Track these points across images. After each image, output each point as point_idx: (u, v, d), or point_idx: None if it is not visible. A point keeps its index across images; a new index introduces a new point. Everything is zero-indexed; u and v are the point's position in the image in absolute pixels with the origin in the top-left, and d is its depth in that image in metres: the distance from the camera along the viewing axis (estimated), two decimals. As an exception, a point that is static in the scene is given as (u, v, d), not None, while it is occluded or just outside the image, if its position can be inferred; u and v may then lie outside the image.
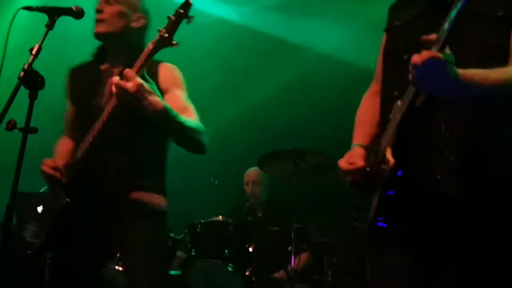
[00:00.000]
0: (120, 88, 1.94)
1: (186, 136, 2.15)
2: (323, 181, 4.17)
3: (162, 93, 2.18)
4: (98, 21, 2.26)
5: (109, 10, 2.26)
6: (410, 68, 1.36)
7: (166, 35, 1.94)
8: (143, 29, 2.35)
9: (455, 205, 1.49)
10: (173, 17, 1.95)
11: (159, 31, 1.97)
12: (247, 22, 5.86)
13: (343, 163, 1.73)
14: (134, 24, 2.31)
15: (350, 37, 5.29)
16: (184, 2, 1.94)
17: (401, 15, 1.78)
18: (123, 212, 2.18)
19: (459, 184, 1.48)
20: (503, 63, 1.47)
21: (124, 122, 2.11)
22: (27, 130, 1.90)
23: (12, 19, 1.97)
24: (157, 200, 2.25)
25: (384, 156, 1.52)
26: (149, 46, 1.99)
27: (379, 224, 1.58)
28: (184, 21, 1.94)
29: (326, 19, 5.40)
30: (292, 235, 3.67)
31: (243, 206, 4.29)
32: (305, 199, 3.93)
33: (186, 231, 3.73)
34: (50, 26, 2.02)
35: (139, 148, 2.24)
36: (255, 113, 5.56)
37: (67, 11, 2.07)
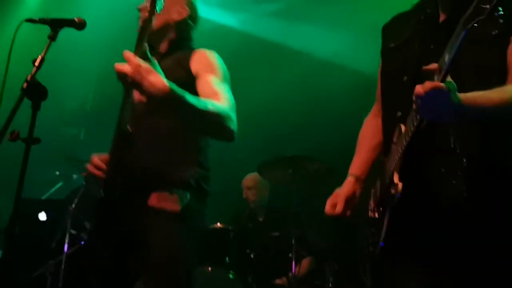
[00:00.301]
0: (118, 71, 1.74)
1: (204, 120, 1.90)
2: (323, 187, 4.18)
3: (194, 78, 2.11)
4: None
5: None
6: (414, 98, 1.37)
7: (148, 6, 1.90)
8: (187, 22, 2.34)
9: (467, 223, 1.49)
10: None
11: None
12: (246, 28, 5.90)
13: (327, 205, 1.81)
14: (175, 16, 2.31)
15: (349, 42, 5.32)
16: None
17: (395, 35, 1.80)
18: (144, 210, 2.06)
19: (472, 200, 1.48)
20: (501, 81, 1.49)
21: (149, 112, 2.02)
22: (30, 140, 1.92)
23: (16, 32, 1.99)
24: (175, 198, 2.07)
25: (392, 181, 1.54)
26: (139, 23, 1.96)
27: (388, 244, 1.59)
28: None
29: (325, 25, 5.43)
30: (293, 241, 3.68)
31: (243, 212, 4.31)
32: (305, 205, 3.95)
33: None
34: (53, 37, 2.03)
35: (167, 138, 2.12)
36: (254, 119, 5.57)
37: (70, 23, 2.09)
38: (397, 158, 1.54)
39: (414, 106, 1.40)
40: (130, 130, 1.99)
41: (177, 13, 2.33)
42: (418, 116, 1.43)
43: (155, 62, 1.80)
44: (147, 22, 1.90)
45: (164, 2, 2.00)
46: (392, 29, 1.85)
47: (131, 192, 2.05)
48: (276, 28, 5.76)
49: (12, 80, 1.99)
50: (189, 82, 2.10)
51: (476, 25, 1.27)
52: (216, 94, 2.02)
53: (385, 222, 1.58)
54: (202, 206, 2.19)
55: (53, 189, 4.65)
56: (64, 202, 4.04)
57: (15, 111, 1.89)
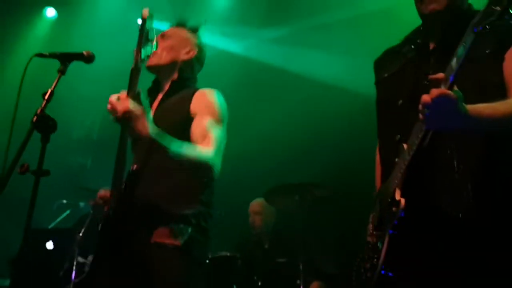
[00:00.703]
0: (111, 109, 1.96)
1: (185, 164, 2.09)
2: (330, 212, 4.17)
3: (192, 119, 2.21)
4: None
5: (162, 44, 2.34)
6: (420, 107, 1.39)
7: (135, 54, 2.00)
8: (195, 62, 2.46)
9: (474, 238, 1.49)
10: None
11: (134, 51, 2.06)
12: (249, 54, 5.98)
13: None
14: (183, 56, 2.40)
15: (351, 66, 5.37)
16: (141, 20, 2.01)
17: (388, 67, 1.88)
18: (146, 245, 2.10)
19: (478, 214, 1.49)
20: (501, 96, 1.52)
21: (152, 148, 2.10)
22: (40, 173, 1.94)
23: (26, 66, 2.03)
24: (176, 233, 2.11)
25: (393, 198, 1.54)
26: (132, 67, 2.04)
27: (387, 273, 1.57)
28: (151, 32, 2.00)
29: (326, 50, 5.50)
30: (301, 266, 3.66)
31: (249, 239, 4.29)
32: (312, 230, 3.93)
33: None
34: (62, 71, 2.08)
35: (169, 175, 2.17)
36: (260, 145, 5.60)
37: (79, 56, 2.13)
38: (399, 175, 1.55)
39: (420, 116, 1.41)
40: (134, 166, 2.10)
41: (186, 53, 2.42)
42: (423, 128, 1.44)
43: (147, 104, 1.98)
44: (136, 67, 1.98)
45: (156, 47, 2.10)
46: (384, 62, 1.94)
47: (133, 226, 2.09)
48: (278, 54, 5.84)
49: (19, 112, 2.03)
50: (187, 123, 2.21)
51: (487, 27, 1.30)
52: (204, 137, 2.14)
53: (385, 245, 1.56)
54: (204, 239, 2.21)
55: (60, 218, 4.66)
56: (71, 231, 4.05)
57: (25, 145, 1.92)
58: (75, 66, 2.15)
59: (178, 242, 2.10)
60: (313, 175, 4.33)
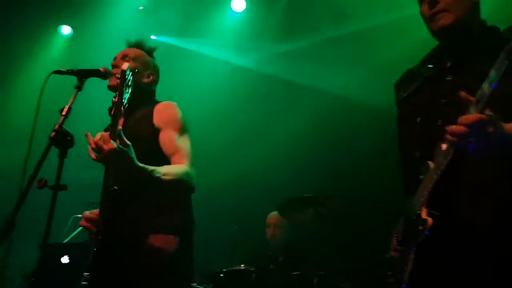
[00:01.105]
0: (96, 149, 2.00)
1: (170, 187, 2.21)
2: (344, 225, 4.15)
3: (157, 130, 2.34)
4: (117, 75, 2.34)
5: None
6: (450, 136, 1.38)
7: (116, 99, 2.04)
8: (153, 83, 2.60)
9: (496, 256, 1.48)
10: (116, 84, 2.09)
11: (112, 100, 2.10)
12: (262, 68, 6.02)
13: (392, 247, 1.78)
14: (145, 80, 2.54)
15: (362, 78, 5.38)
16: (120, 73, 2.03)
17: (406, 87, 1.91)
18: (134, 260, 2.21)
19: (500, 233, 1.48)
20: None
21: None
22: (57, 187, 1.97)
23: (44, 83, 2.07)
24: (167, 245, 2.24)
25: (419, 216, 1.54)
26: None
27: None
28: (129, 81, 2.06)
29: (337, 63, 5.52)
30: (315, 281, 3.63)
31: (263, 253, 4.27)
32: (325, 244, 3.91)
33: (208, 280, 3.71)
34: (79, 87, 2.12)
35: (152, 191, 2.27)
36: (273, 158, 5.60)
37: (95, 73, 2.18)
38: (425, 193, 1.55)
39: (452, 140, 1.39)
40: (116, 187, 2.16)
41: (146, 77, 2.56)
42: (451, 151, 1.45)
43: (128, 143, 2.03)
44: (117, 112, 2.01)
45: (129, 91, 2.14)
46: (403, 83, 1.97)
47: (120, 244, 2.22)
48: (289, 67, 5.87)
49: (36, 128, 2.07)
50: (153, 135, 2.36)
51: None
52: (176, 151, 2.30)
53: (410, 261, 1.56)
54: (190, 249, 2.34)
55: (75, 232, 4.69)
56: (85, 245, 4.07)
57: (43, 160, 1.95)
58: (90, 82, 2.19)
59: (165, 255, 2.21)
60: (327, 187, 4.31)
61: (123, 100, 2.01)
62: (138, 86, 2.43)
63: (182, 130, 2.39)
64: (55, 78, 2.15)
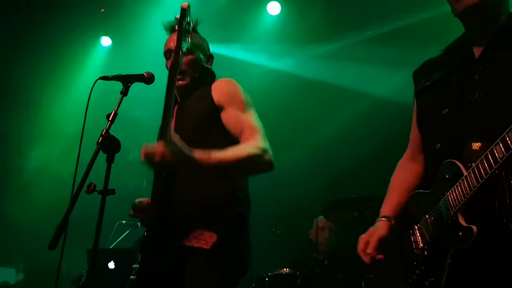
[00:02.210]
0: (149, 157, 1.88)
1: (243, 169, 2.04)
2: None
3: (218, 108, 2.17)
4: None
5: (185, 59, 2.25)
6: None
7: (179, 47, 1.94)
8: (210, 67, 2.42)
9: None
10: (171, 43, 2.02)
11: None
12: (299, 71, 5.98)
13: (361, 242, 1.80)
14: (206, 65, 2.38)
15: (404, 80, 5.27)
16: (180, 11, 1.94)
17: (427, 76, 1.81)
18: (180, 249, 2.10)
19: None
20: None
21: None
22: (106, 192, 1.99)
23: (92, 89, 2.10)
24: (208, 238, 2.08)
25: (457, 221, 1.48)
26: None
27: None
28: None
29: (376, 65, 5.42)
30: (363, 285, 3.55)
31: (308, 256, 4.22)
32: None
33: (254, 284, 3.69)
34: (124, 93, 2.13)
35: (204, 183, 2.15)
36: (316, 160, 5.55)
37: (139, 78, 2.19)
38: (461, 199, 1.47)
39: (476, 144, 1.37)
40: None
41: (207, 61, 2.38)
42: (498, 156, 1.36)
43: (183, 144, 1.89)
44: (174, 67, 1.94)
45: (190, 44, 2.06)
46: (424, 71, 1.86)
47: (169, 231, 2.09)
48: (328, 70, 5.80)
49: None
50: (213, 113, 2.18)
51: None
52: (244, 129, 2.10)
53: (446, 266, 1.50)
54: (238, 240, 2.15)
55: (120, 238, 4.78)
56: (131, 251, 4.13)
57: (92, 165, 1.97)
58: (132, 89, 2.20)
59: (209, 245, 2.05)
60: (372, 188, 4.21)
61: (182, 49, 1.88)
62: (201, 74, 2.33)
63: (246, 106, 2.19)
64: (101, 84, 2.18)
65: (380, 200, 3.73)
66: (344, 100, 5.58)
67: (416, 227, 1.73)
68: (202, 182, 2.13)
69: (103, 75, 2.16)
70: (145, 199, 2.20)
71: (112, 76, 2.16)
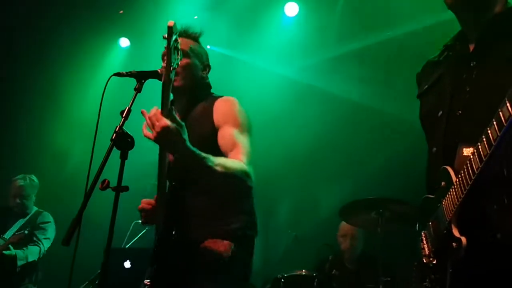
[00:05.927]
0: (150, 125, 1.92)
1: (221, 181, 2.06)
2: (412, 230, 3.95)
3: (217, 129, 2.23)
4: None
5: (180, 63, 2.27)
6: None
7: (165, 65, 1.96)
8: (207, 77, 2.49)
9: None
10: (164, 51, 2.01)
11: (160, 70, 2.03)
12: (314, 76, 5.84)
13: None
14: (202, 73, 2.44)
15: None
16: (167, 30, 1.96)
17: (427, 78, 1.76)
18: (190, 261, 2.15)
19: None
20: None
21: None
22: (119, 188, 1.97)
23: (106, 85, 2.09)
24: (221, 248, 2.14)
25: (450, 232, 1.42)
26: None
27: None
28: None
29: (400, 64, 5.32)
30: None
31: (326, 259, 4.15)
32: (394, 250, 3.72)
33: (269, 286, 3.65)
34: (138, 89, 2.12)
35: (211, 191, 2.20)
36: (337, 162, 5.48)
37: (153, 74, 2.17)
38: (452, 208, 1.42)
39: (466, 150, 1.32)
40: (172, 185, 2.13)
41: (203, 70, 2.44)
42: (476, 161, 1.30)
43: (182, 123, 1.93)
44: (166, 83, 1.94)
45: (180, 58, 2.07)
46: (425, 74, 1.82)
47: (179, 244, 2.16)
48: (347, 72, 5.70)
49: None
50: (213, 135, 2.24)
51: None
52: (235, 147, 2.15)
53: (448, 276, 1.44)
54: (246, 255, 2.23)
55: (137, 238, 4.78)
56: (147, 251, 4.11)
57: (106, 161, 1.96)
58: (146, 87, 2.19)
59: (222, 258, 2.12)
60: (394, 192, 4.11)
61: (172, 65, 1.91)
62: (196, 81, 2.39)
63: (242, 126, 2.25)
64: (115, 80, 2.17)
65: (398, 203, 3.67)
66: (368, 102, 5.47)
67: (423, 233, 1.68)
68: (205, 193, 2.19)
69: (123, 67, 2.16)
70: (151, 202, 2.26)
71: (126, 72, 2.15)
